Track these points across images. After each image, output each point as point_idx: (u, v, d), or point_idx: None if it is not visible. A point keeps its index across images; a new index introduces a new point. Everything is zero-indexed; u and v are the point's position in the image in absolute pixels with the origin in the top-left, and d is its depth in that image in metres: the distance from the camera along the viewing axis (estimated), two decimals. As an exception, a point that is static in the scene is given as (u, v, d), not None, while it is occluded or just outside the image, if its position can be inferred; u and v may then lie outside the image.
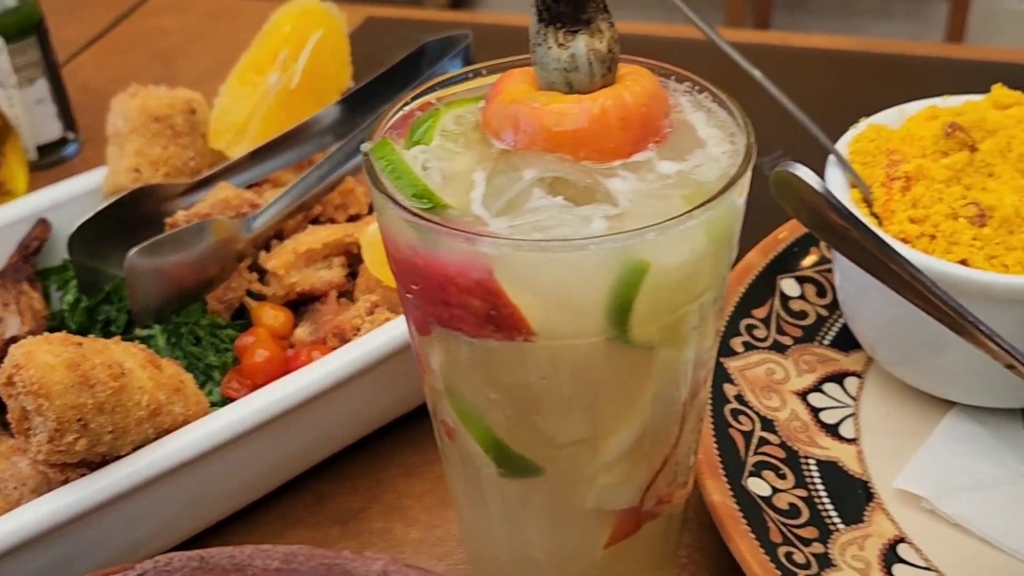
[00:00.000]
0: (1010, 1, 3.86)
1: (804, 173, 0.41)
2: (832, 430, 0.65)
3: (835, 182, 0.65)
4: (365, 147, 0.47)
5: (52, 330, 0.60)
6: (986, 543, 0.58)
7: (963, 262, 0.60)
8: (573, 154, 0.45)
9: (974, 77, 0.73)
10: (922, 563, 0.58)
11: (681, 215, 0.42)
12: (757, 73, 0.64)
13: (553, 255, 0.42)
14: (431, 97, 0.51)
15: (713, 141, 0.47)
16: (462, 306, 0.44)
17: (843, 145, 0.67)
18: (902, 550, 0.58)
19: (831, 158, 0.66)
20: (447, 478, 0.55)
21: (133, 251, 0.65)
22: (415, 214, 0.43)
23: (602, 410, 0.47)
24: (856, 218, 0.41)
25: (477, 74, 0.52)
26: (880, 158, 0.65)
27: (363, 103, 0.79)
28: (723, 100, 0.49)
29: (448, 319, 0.45)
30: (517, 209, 0.43)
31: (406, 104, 0.50)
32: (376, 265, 0.67)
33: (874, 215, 0.64)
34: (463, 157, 0.47)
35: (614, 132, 0.45)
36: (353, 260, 0.72)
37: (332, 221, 0.74)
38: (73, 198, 0.76)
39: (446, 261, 0.43)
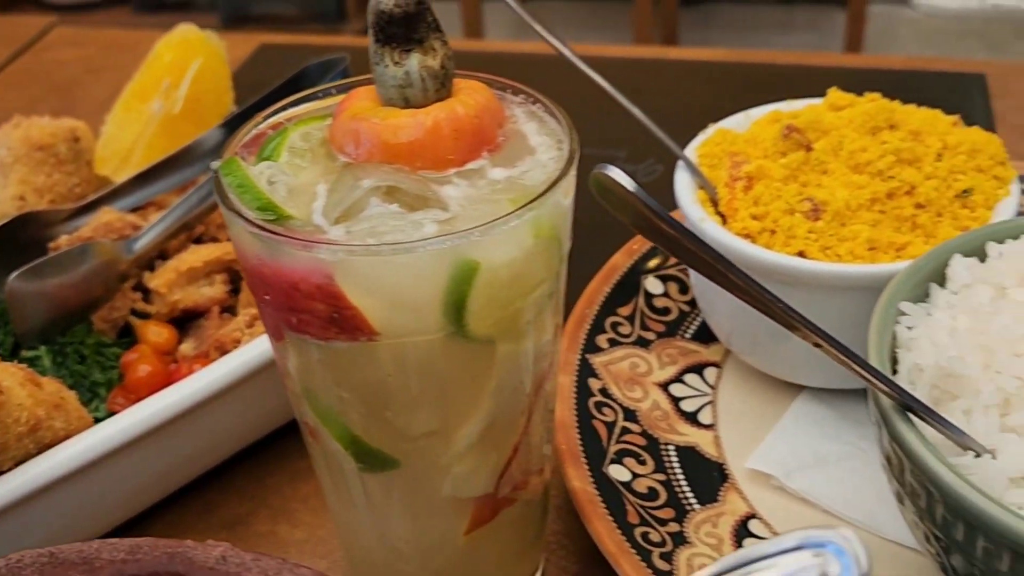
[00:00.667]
0: (906, 11, 3.98)
1: (617, 174, 0.43)
2: (691, 417, 0.68)
3: (683, 184, 0.68)
4: (214, 165, 0.49)
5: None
6: (830, 514, 0.62)
7: (800, 254, 0.63)
8: (410, 164, 0.48)
9: (860, 84, 0.75)
10: (771, 536, 0.61)
11: (505, 216, 0.44)
12: (606, 85, 0.67)
13: (387, 258, 0.44)
14: (281, 117, 0.53)
15: (543, 148, 0.50)
16: (308, 311, 0.47)
17: (691, 150, 0.71)
18: (753, 525, 0.61)
19: (680, 162, 0.69)
20: (318, 477, 0.57)
21: (13, 275, 0.67)
22: (258, 226, 0.46)
23: (449, 403, 0.50)
24: (668, 216, 0.44)
25: (327, 94, 0.54)
26: (725, 160, 0.68)
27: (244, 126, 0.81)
28: (553, 110, 0.52)
29: (297, 324, 0.48)
30: (354, 217, 0.46)
31: (258, 124, 0.53)
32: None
33: (719, 214, 0.67)
34: (309, 171, 0.49)
35: (447, 143, 0.48)
36: (235, 276, 0.73)
37: (214, 240, 0.76)
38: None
39: (290, 269, 0.46)
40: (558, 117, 0.51)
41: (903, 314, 0.54)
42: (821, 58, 1.20)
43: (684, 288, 0.76)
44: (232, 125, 0.81)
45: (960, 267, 0.55)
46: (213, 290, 0.72)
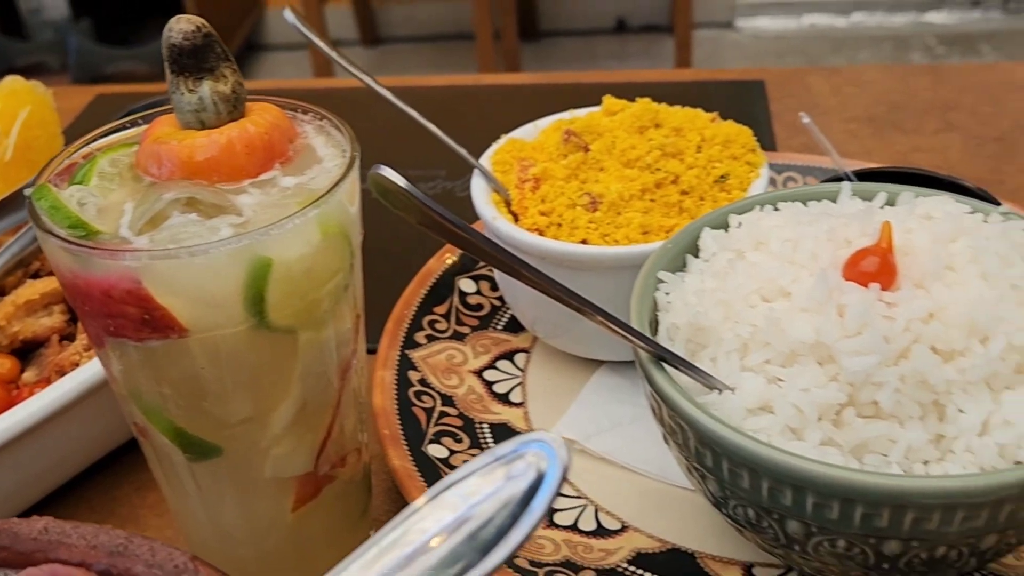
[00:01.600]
0: (730, 34, 4.16)
1: (390, 174, 0.48)
2: (503, 398, 0.74)
3: (478, 189, 0.74)
4: (28, 192, 0.53)
5: None
6: (627, 469, 0.68)
7: (583, 242, 0.70)
8: (208, 179, 0.52)
9: (659, 96, 0.81)
10: (575, 494, 0.67)
11: (290, 215, 0.49)
12: (408, 108, 0.73)
13: (186, 260, 0.48)
14: (92, 147, 0.57)
15: (329, 157, 0.55)
16: (121, 315, 0.50)
17: (485, 158, 0.77)
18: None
19: (475, 170, 0.75)
20: (154, 475, 0.61)
21: None
22: (70, 242, 0.49)
23: (261, 390, 0.54)
24: (442, 210, 0.49)
25: (134, 124, 0.58)
26: (515, 165, 0.75)
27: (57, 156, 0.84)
28: (338, 125, 0.57)
29: (114, 329, 0.51)
30: (156, 227, 0.50)
31: (70, 155, 0.56)
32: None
33: (512, 213, 0.73)
34: (117, 192, 0.53)
35: (240, 158, 0.53)
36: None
37: (51, 274, 0.78)
38: None
39: (101, 278, 0.49)
40: (343, 130, 0.56)
41: (661, 282, 0.60)
42: (621, 75, 1.28)
43: (495, 286, 0.82)
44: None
45: (708, 238, 0.62)
46: (51, 320, 0.75)
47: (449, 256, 0.83)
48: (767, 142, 1.02)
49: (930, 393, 0.51)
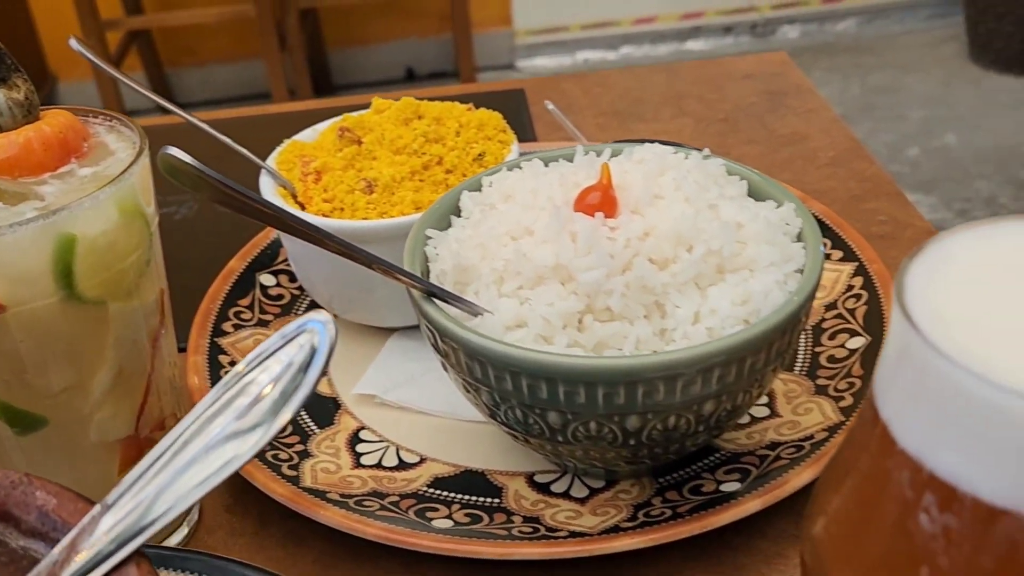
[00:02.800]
0: (512, 74, 4.33)
1: (178, 152, 0.54)
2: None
3: (266, 186, 0.80)
4: None
5: None
6: (422, 413, 0.75)
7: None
8: (11, 174, 0.57)
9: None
10: (377, 438, 0.73)
11: (88, 195, 0.55)
12: (194, 120, 0.79)
13: (-3, 240, 0.53)
14: None
15: (121, 150, 0.61)
16: (-60, 298, 0.55)
17: (271, 160, 0.83)
18: (363, 434, 0.74)
19: (262, 171, 0.82)
20: (-15, 461, 0.64)
21: None
22: None
23: (78, 358, 0.59)
24: (230, 182, 0.56)
25: (-65, 137, 0.62)
26: (298, 162, 0.81)
27: None
28: (127, 123, 0.62)
29: (-67, 313, 0.55)
30: (-36, 215, 0.55)
31: None
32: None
33: (299, 204, 0.80)
34: (-75, 194, 0.57)
35: (38, 154, 0.58)
36: None
37: None
38: None
39: (-83, 265, 0.54)
40: (132, 127, 0.62)
41: (429, 238, 0.68)
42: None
43: (293, 278, 0.88)
44: None
45: (466, 199, 0.70)
46: None
47: (249, 254, 0.88)
48: (530, 138, 1.11)
49: (651, 295, 0.60)
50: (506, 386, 0.59)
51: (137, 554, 0.40)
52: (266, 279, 0.87)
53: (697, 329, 0.60)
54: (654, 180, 0.65)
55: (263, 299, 0.86)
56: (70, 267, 0.55)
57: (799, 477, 0.64)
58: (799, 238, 0.65)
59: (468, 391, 0.63)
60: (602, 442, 0.60)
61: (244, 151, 0.80)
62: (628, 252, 0.61)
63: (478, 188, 0.71)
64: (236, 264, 0.87)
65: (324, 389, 0.78)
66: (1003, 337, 0.35)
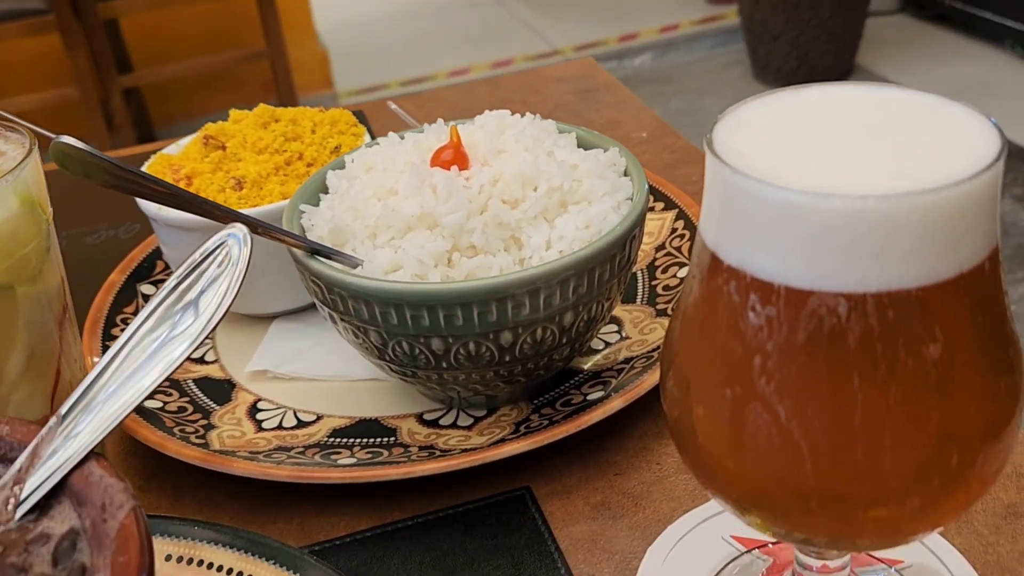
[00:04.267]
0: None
1: (71, 140, 0.58)
2: (200, 360, 0.83)
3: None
4: None
5: None
6: (313, 380, 0.79)
7: (238, 215, 0.81)
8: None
9: None
10: (275, 407, 0.77)
11: (-9, 184, 0.58)
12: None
13: (-92, 231, 0.56)
14: None
15: (11, 150, 0.64)
16: None
17: (143, 168, 0.87)
18: (261, 404, 0.77)
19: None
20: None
21: None
22: None
23: (-9, 342, 0.61)
24: (122, 163, 0.60)
25: None
26: (167, 172, 0.85)
27: None
28: (16, 127, 0.65)
29: None
30: None
31: None
32: None
33: (174, 207, 0.83)
34: None
35: (-66, 158, 0.61)
36: None
37: None
38: None
39: None
40: (20, 131, 0.65)
41: (303, 212, 0.73)
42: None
43: (172, 285, 0.91)
44: None
45: (332, 176, 0.76)
46: None
47: (128, 268, 0.91)
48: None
49: (507, 230, 0.67)
50: (392, 321, 0.65)
51: (94, 453, 0.44)
52: (146, 288, 0.90)
53: (551, 254, 0.67)
54: (496, 137, 0.73)
55: (143, 303, 0.88)
56: (-23, 253, 0.58)
57: (652, 377, 0.71)
58: (625, 174, 0.74)
59: (357, 336, 0.68)
60: (481, 362, 0.66)
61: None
62: (483, 196, 0.68)
63: (342, 166, 0.77)
64: (116, 277, 0.90)
65: (217, 373, 0.81)
66: (785, 159, 0.43)
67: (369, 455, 0.70)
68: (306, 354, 0.82)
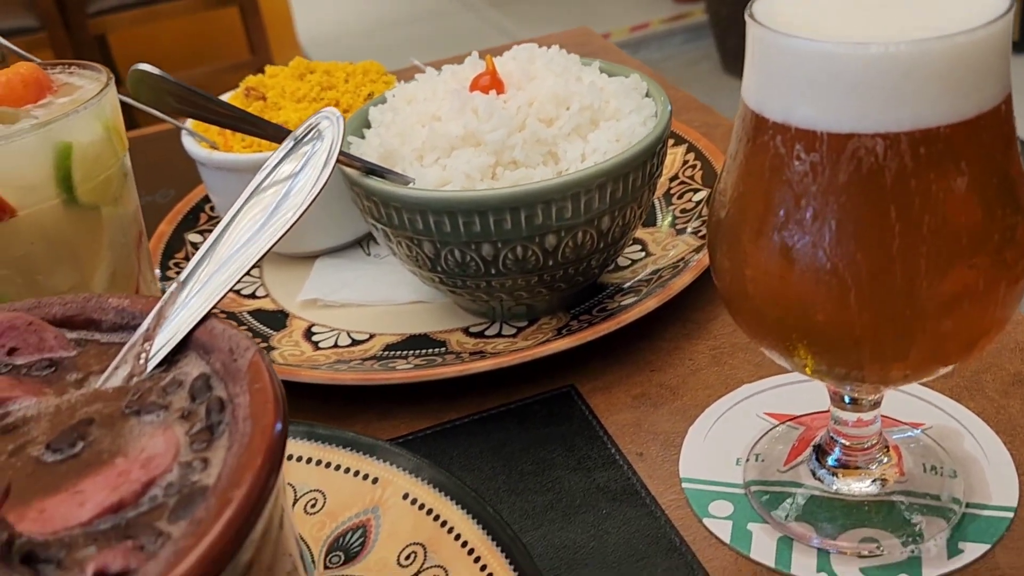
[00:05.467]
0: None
1: (148, 67, 0.62)
2: (251, 296, 0.87)
3: (189, 143, 0.87)
4: None
5: None
6: (362, 306, 0.83)
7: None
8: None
9: None
10: (328, 329, 0.81)
11: (76, 108, 0.61)
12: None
13: (5, 147, 0.59)
14: None
15: (88, 85, 0.67)
16: (-41, 209, 0.60)
17: (188, 123, 0.90)
18: (315, 328, 0.81)
19: (183, 131, 0.89)
20: None
21: None
22: (-96, 160, 0.58)
23: (79, 259, 0.65)
24: (191, 87, 0.63)
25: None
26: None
27: None
28: (91, 66, 0.69)
29: (-47, 226, 0.61)
30: (-26, 135, 0.60)
31: None
32: None
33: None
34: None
35: (19, 90, 0.64)
36: None
37: None
38: None
39: (-63, 181, 0.59)
40: (96, 68, 0.68)
41: (351, 143, 0.77)
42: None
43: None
44: None
45: (374, 112, 0.80)
46: None
47: (175, 219, 0.94)
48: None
49: (545, 146, 0.71)
50: (445, 229, 0.69)
51: (213, 314, 0.47)
52: (194, 238, 0.94)
53: (585, 165, 0.71)
54: (528, 66, 0.77)
55: (193, 252, 0.92)
56: (69, 172, 0.62)
57: (681, 280, 0.75)
58: (647, 95, 0.78)
59: (411, 249, 0.72)
60: (527, 266, 0.70)
61: (164, 116, 0.87)
62: (520, 116, 0.72)
63: (383, 101, 0.81)
64: (165, 227, 0.93)
65: (269, 305, 0.85)
66: (821, 20, 0.48)
67: (425, 361, 0.74)
68: (352, 284, 0.85)
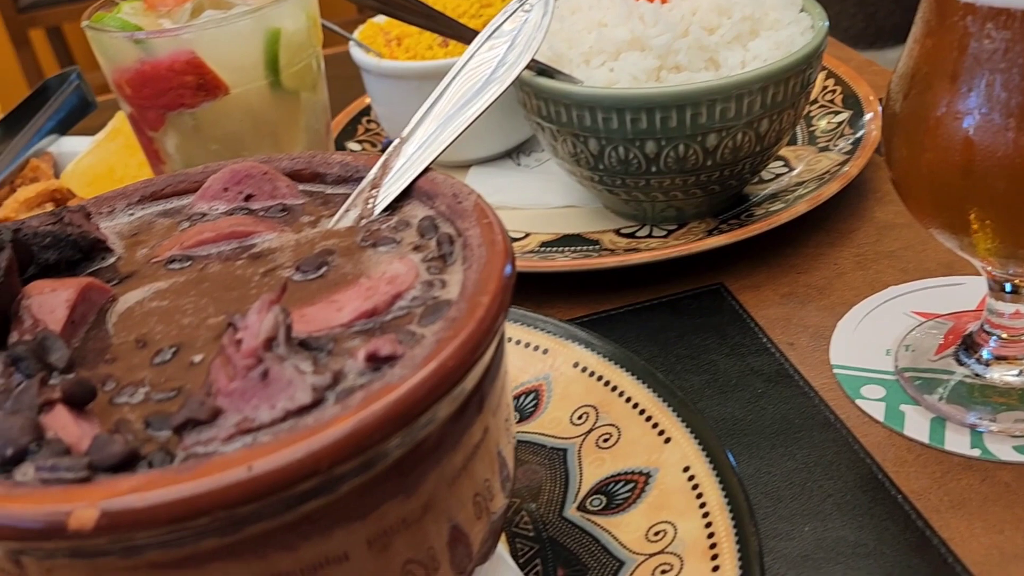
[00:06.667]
0: None
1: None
2: (411, 197, 0.90)
3: (357, 53, 0.91)
4: (84, 24, 0.66)
5: None
6: (516, 208, 0.86)
7: (444, 68, 0.88)
8: (212, -3, 0.68)
9: None
10: (486, 228, 0.84)
11: (277, 1, 0.65)
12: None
13: (223, 29, 0.63)
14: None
15: (286, -18, 0.71)
16: (181, 86, 0.64)
17: (356, 33, 0.94)
18: (473, 227, 0.84)
19: (350, 42, 0.93)
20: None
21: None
22: (135, 37, 0.63)
23: (280, 139, 0.69)
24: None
25: (128, -6, 0.72)
26: (379, 35, 0.92)
27: (12, 122, 0.94)
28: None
29: (173, 101, 0.65)
30: (197, 17, 0.65)
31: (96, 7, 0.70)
32: (81, 187, 0.83)
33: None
34: (142, 17, 0.67)
35: (233, -17, 0.68)
36: (60, 202, 0.86)
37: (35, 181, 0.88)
38: None
39: (165, 58, 0.63)
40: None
41: (517, 49, 0.80)
42: None
43: (374, 144, 0.98)
44: (4, 124, 0.93)
45: (538, 22, 0.82)
46: (43, 211, 0.85)
47: (335, 129, 0.99)
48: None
49: (707, 52, 0.73)
50: (612, 126, 0.71)
51: (429, 168, 0.51)
52: (353, 146, 0.98)
53: (745, 72, 0.73)
54: (687, -21, 0.79)
55: (355, 159, 0.96)
56: (276, 56, 0.66)
57: (829, 188, 0.77)
58: (802, 11, 0.79)
59: (575, 146, 0.75)
60: (687, 165, 0.73)
61: (335, 27, 0.91)
62: (684, 22, 0.74)
63: (545, 13, 0.83)
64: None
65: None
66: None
67: (582, 255, 0.76)
68: (505, 190, 0.89)
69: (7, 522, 0.32)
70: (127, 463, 0.34)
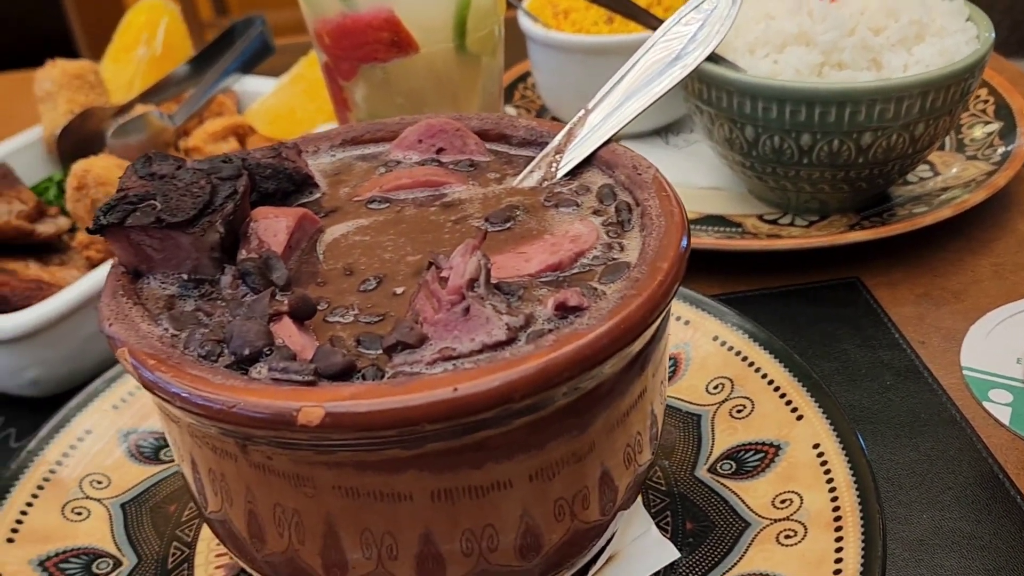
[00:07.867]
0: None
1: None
2: (561, 164, 0.94)
3: (526, 22, 0.94)
4: (295, -24, 0.70)
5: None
6: (660, 186, 0.89)
7: (607, 45, 0.91)
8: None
9: None
10: (632, 201, 0.87)
11: (481, -34, 0.69)
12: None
13: (424, -8, 0.67)
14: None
15: (477, -48, 0.75)
16: (376, 41, 0.68)
17: (524, 5, 0.97)
18: (619, 199, 0.87)
19: (519, 11, 0.96)
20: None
21: (109, 134, 0.83)
22: (342, -8, 0.67)
23: (458, 99, 0.73)
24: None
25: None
26: (547, 7, 0.95)
27: (203, 61, 1.00)
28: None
29: (367, 54, 0.69)
30: (396, -21, 0.69)
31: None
32: (263, 125, 0.89)
33: (553, 35, 0.94)
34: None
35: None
36: (241, 136, 0.92)
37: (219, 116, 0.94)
38: (18, 149, 0.90)
39: (365, 14, 0.67)
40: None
41: (683, 33, 0.82)
42: None
43: (534, 113, 1.02)
44: (196, 61, 0.99)
45: (705, 8, 0.84)
46: (228, 145, 0.91)
47: (495, 91, 1.02)
48: None
49: (871, 52, 0.74)
50: (771, 115, 0.73)
51: (613, 139, 0.54)
52: (509, 111, 1.01)
53: (907, 76, 0.73)
54: (860, -22, 0.79)
55: (511, 122, 0.99)
56: (464, 20, 0.69)
57: (975, 196, 0.77)
58: (969, 20, 0.79)
59: (732, 131, 0.77)
60: (839, 160, 0.74)
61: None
62: (852, 21, 0.75)
63: None
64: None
65: (579, 174, 0.91)
66: None
67: (725, 236, 0.79)
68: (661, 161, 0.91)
69: (244, 411, 0.37)
70: (345, 373, 0.39)
